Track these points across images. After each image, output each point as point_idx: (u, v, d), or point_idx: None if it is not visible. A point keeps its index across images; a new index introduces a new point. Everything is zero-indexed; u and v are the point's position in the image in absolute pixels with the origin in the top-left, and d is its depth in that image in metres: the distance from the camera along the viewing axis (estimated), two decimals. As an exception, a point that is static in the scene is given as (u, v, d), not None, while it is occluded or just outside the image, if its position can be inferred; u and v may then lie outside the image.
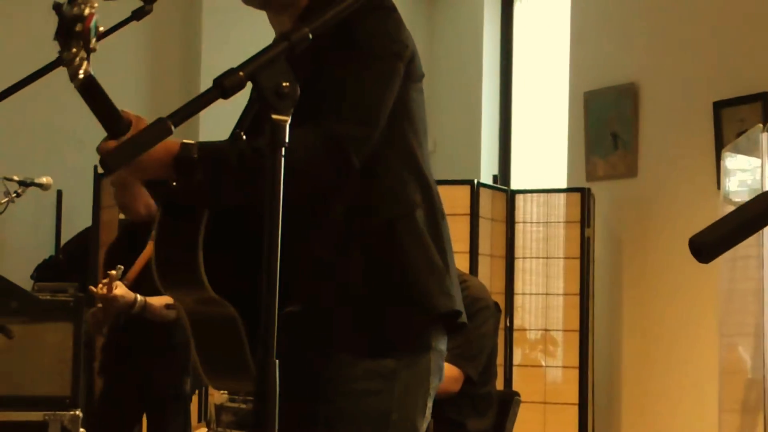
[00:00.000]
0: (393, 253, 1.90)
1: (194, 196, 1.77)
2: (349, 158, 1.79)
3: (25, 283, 5.05)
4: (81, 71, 1.64)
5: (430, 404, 1.98)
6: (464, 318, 1.98)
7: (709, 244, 1.10)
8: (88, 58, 1.65)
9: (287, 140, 1.38)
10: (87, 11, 1.63)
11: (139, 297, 3.97)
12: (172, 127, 1.29)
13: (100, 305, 3.98)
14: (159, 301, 4.04)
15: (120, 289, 3.93)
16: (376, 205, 1.92)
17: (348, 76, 1.85)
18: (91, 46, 1.65)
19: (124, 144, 1.32)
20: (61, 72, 2.25)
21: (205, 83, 7.38)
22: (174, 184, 1.73)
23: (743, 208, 1.15)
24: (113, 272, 3.92)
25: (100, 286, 3.94)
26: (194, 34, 6.73)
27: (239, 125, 1.70)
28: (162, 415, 4.32)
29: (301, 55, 1.57)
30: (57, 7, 1.60)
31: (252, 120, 1.93)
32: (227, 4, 6.28)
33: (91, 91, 1.67)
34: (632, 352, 6.21)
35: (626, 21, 6.24)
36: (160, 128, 1.29)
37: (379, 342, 1.90)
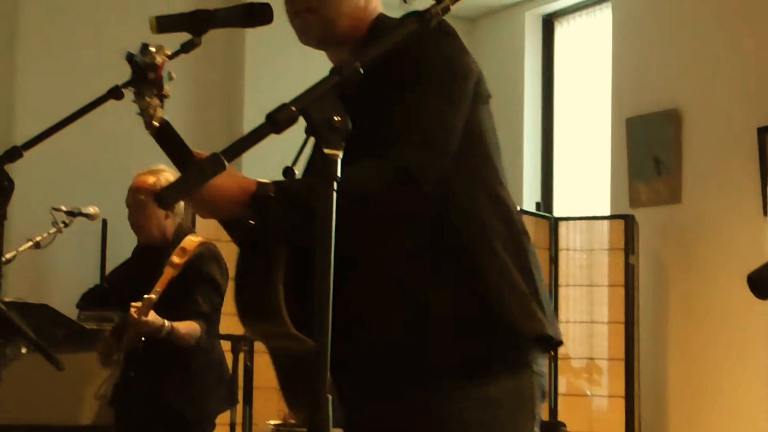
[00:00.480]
0: (473, 278, 1.87)
1: (272, 235, 1.79)
2: (421, 186, 1.78)
3: (71, 311, 5.07)
4: (155, 120, 1.67)
5: (537, 430, 1.95)
6: (559, 337, 1.95)
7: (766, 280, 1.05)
8: (162, 105, 1.67)
9: (345, 172, 1.38)
10: (160, 60, 1.65)
11: (166, 322, 3.99)
12: (226, 163, 1.29)
13: (106, 336, 4.05)
14: (183, 326, 4.06)
15: (151, 314, 3.95)
16: (453, 230, 1.89)
17: (415, 101, 1.84)
18: (164, 92, 1.68)
19: (179, 179, 1.33)
20: (109, 103, 2.28)
21: (248, 116, 7.46)
22: (251, 222, 1.74)
23: None
24: (152, 296, 3.93)
25: (133, 310, 3.96)
26: (237, 67, 6.84)
27: (296, 162, 1.72)
28: None
29: (366, 84, 1.58)
30: (130, 58, 1.62)
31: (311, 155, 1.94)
32: (270, 38, 6.39)
33: (166, 136, 1.69)
34: (679, 380, 6.17)
35: (668, 46, 6.27)
36: (215, 163, 1.29)
37: (476, 369, 1.86)
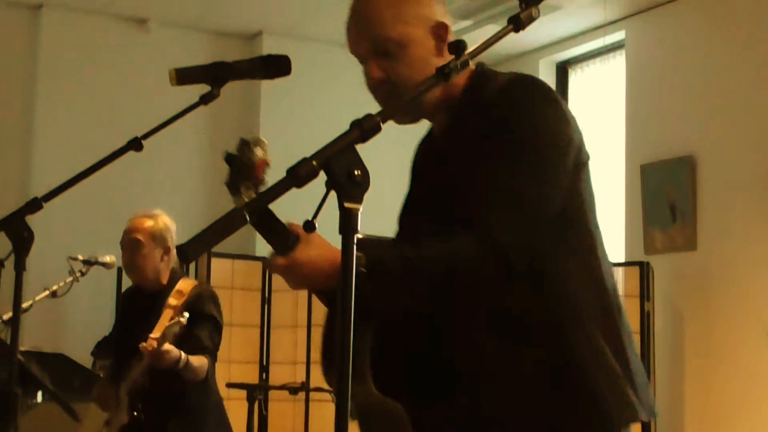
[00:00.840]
0: (562, 357, 1.82)
1: (361, 307, 1.78)
2: (512, 266, 1.76)
3: (86, 359, 5.08)
4: (253, 215, 1.70)
5: None
6: (651, 416, 1.92)
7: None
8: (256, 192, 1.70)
9: (435, 243, 1.45)
10: (260, 155, 1.67)
11: (182, 353, 3.98)
12: (248, 217, 1.30)
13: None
14: (195, 359, 4.06)
15: (167, 345, 3.94)
16: (545, 308, 1.84)
17: (509, 171, 1.80)
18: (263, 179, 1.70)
19: (203, 233, 1.34)
20: (126, 155, 2.29)
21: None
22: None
23: None
24: (175, 326, 3.95)
25: (151, 341, 3.95)
26: (252, 117, 6.96)
27: (316, 215, 1.73)
28: None
29: (457, 140, 1.57)
30: (229, 159, 1.63)
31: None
32: (285, 87, 6.43)
33: (263, 222, 1.70)
34: (695, 427, 6.07)
35: (682, 92, 6.24)
36: (236, 217, 1.30)
37: None
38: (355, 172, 1.37)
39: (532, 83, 1.89)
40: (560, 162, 1.84)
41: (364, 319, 1.76)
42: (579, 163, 1.89)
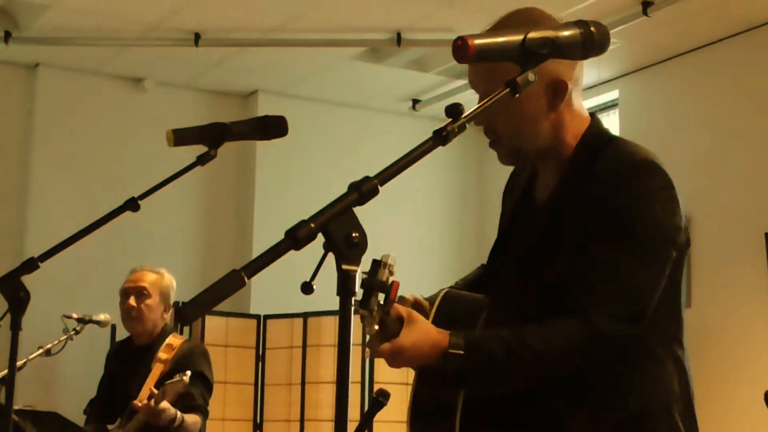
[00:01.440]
0: None
1: (459, 385, 1.84)
2: (612, 355, 1.78)
3: (79, 418, 5.05)
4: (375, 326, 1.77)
5: None
6: None
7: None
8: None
9: (540, 330, 1.54)
10: (392, 276, 1.73)
11: (178, 412, 4.00)
12: (246, 279, 1.31)
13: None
14: (189, 417, 4.08)
15: (164, 403, 3.95)
16: (633, 394, 1.85)
17: (622, 264, 1.79)
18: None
19: (202, 295, 1.34)
20: (124, 214, 2.31)
21: (258, 229, 7.41)
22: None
23: None
24: (178, 383, 3.97)
25: (147, 397, 3.96)
26: (248, 180, 7.03)
27: (314, 277, 1.73)
28: None
29: (566, 207, 1.66)
30: (367, 285, 1.68)
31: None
32: (280, 150, 6.47)
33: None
34: None
35: (675, 150, 6.19)
36: (234, 279, 1.31)
37: None
38: (353, 235, 1.38)
39: (652, 171, 1.88)
40: (669, 255, 1.84)
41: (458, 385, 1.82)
42: (681, 250, 1.89)
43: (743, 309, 5.70)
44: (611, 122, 6.94)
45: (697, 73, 6.33)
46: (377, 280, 1.68)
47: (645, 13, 5.76)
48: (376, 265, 1.68)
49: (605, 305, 1.76)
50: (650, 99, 6.67)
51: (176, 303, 4.32)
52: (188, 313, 1.37)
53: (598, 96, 6.93)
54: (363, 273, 1.64)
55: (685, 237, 1.90)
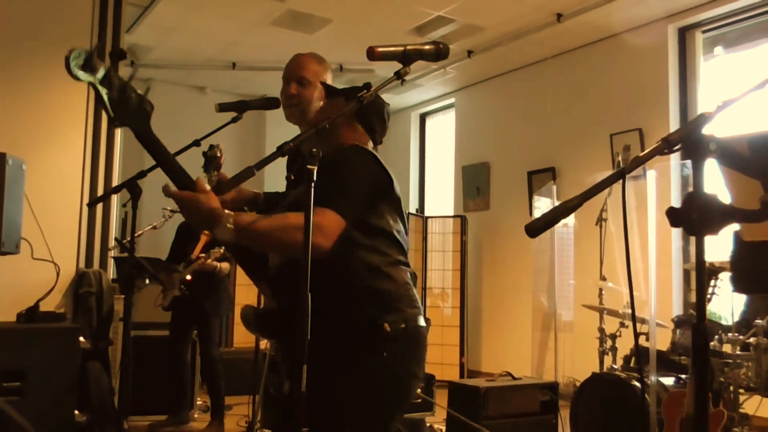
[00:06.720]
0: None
1: (230, 249, 2.24)
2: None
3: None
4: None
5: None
6: None
7: (534, 228, 1.39)
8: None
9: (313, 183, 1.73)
10: (223, 157, 2.19)
11: (217, 264, 5.13)
12: (255, 170, 1.71)
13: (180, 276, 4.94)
14: (224, 265, 5.22)
15: (210, 261, 5.15)
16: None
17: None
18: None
19: (233, 177, 1.82)
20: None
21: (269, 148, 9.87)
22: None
23: (568, 203, 1.37)
24: (217, 249, 5.14)
25: (202, 256, 5.04)
26: (261, 129, 8.97)
27: (260, 167, 1.79)
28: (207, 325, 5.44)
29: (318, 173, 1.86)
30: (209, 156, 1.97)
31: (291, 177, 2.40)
32: (279, 112, 5.53)
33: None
34: (488, 298, 8.23)
35: (483, 132, 8.36)
36: (246, 171, 1.73)
37: None
38: (313, 150, 1.75)
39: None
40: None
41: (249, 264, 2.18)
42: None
43: (516, 212, 7.92)
44: (450, 118, 9.21)
45: (499, 91, 8.32)
46: (212, 153, 2.16)
47: (469, 56, 7.50)
48: (210, 147, 2.15)
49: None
50: (474, 104, 8.66)
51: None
52: (222, 186, 1.93)
53: (443, 101, 9.37)
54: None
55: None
